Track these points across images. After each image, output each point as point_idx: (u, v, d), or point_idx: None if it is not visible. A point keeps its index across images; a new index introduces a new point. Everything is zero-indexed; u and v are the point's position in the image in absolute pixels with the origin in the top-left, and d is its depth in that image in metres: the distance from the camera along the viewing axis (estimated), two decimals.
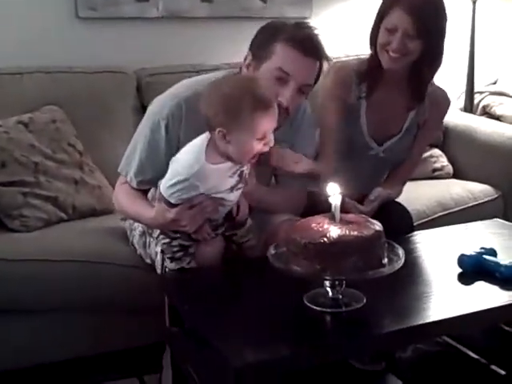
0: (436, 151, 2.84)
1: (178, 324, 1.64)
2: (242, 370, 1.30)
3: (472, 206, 2.58)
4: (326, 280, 1.48)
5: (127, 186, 1.87)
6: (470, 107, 3.16)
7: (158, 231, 1.78)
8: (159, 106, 1.82)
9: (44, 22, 2.56)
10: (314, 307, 1.48)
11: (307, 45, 1.76)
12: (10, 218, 2.11)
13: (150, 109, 1.87)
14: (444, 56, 2.06)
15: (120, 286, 1.96)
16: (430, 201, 2.51)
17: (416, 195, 2.52)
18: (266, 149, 1.62)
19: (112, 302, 1.99)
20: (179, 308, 1.62)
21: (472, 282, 1.65)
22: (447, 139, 2.90)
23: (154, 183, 1.79)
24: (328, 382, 1.75)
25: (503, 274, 1.63)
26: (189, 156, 1.64)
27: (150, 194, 1.89)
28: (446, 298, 1.58)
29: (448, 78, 3.06)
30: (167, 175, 1.67)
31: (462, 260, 1.70)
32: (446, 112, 2.24)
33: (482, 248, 1.73)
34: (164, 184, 1.67)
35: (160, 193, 1.70)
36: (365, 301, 1.50)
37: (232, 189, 1.68)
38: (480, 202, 2.61)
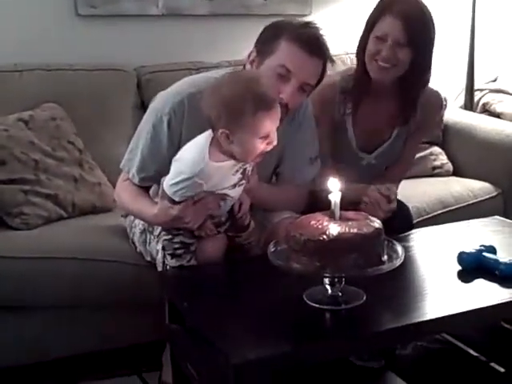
0: (436, 149, 2.84)
1: (178, 321, 1.64)
2: (241, 367, 1.30)
3: (472, 204, 2.58)
4: (326, 277, 1.48)
5: (129, 182, 1.88)
6: (470, 105, 3.16)
7: (159, 229, 1.78)
8: (162, 102, 1.82)
9: (44, 19, 2.56)
10: (314, 304, 1.48)
11: (312, 44, 1.76)
12: (10, 216, 2.11)
13: (153, 105, 1.87)
14: (431, 72, 2.04)
15: (120, 284, 1.96)
16: (430, 198, 2.51)
17: (416, 193, 2.52)
18: (270, 148, 1.63)
19: (111, 299, 1.98)
20: (179, 305, 1.62)
21: (471, 280, 1.66)
22: (447, 137, 2.90)
23: (157, 180, 1.79)
24: (328, 378, 1.75)
25: (503, 272, 1.63)
26: (192, 155, 1.65)
27: (151, 191, 1.89)
28: (446, 296, 1.58)
29: (448, 75, 3.07)
30: (170, 174, 1.67)
31: (462, 257, 1.70)
32: (439, 112, 2.23)
33: (481, 245, 1.73)
34: (167, 182, 1.68)
35: (163, 190, 1.70)
36: (364, 298, 1.50)
37: (235, 185, 1.69)
38: (480, 199, 2.61)
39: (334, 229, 1.42)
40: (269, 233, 1.87)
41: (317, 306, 1.48)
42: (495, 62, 3.37)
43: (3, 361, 1.94)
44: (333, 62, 1.85)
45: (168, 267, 1.74)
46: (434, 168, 2.80)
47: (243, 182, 1.70)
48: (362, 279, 1.49)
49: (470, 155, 2.83)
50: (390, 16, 1.92)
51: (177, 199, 1.66)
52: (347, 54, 2.79)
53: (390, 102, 2.07)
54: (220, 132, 1.60)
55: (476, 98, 3.19)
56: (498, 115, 3.05)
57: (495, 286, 1.61)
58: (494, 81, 3.32)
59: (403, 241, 1.84)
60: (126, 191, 1.88)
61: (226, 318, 1.48)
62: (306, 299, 1.50)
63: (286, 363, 1.38)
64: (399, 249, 1.51)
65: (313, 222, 1.47)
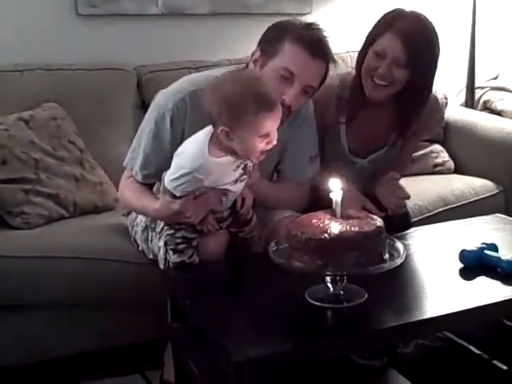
0: (437, 147, 2.83)
1: (180, 320, 1.64)
2: (243, 365, 1.30)
3: (473, 201, 2.57)
4: (327, 276, 1.48)
5: (132, 180, 1.88)
6: (470, 102, 3.16)
7: (161, 225, 1.78)
8: (164, 99, 1.83)
9: (44, 19, 2.56)
10: (315, 303, 1.48)
11: (315, 46, 1.76)
12: (11, 216, 2.11)
13: (155, 102, 1.87)
14: (431, 91, 2.00)
15: (121, 283, 1.96)
16: (432, 196, 2.51)
17: (417, 191, 2.50)
18: (269, 147, 1.63)
19: (113, 298, 1.98)
20: (181, 303, 1.63)
21: (473, 277, 1.65)
22: (448, 134, 2.90)
23: (160, 177, 1.79)
24: (329, 377, 1.76)
25: (504, 269, 1.63)
26: (192, 150, 1.65)
27: (155, 188, 1.89)
28: (448, 294, 1.58)
29: (449, 73, 3.07)
30: (171, 169, 1.68)
31: (464, 255, 1.70)
32: (436, 117, 2.20)
33: (483, 243, 1.72)
34: (168, 177, 1.68)
35: (164, 185, 1.71)
36: (366, 296, 1.50)
37: (236, 181, 1.70)
38: (481, 197, 2.60)
39: (335, 227, 1.42)
40: (269, 231, 1.87)
41: (318, 304, 1.48)
42: (496, 59, 3.36)
43: (3, 360, 1.94)
44: (335, 63, 1.84)
45: (170, 264, 1.74)
46: (435, 166, 2.80)
47: (245, 177, 1.71)
48: (363, 277, 1.49)
49: (471, 153, 2.82)
50: (391, 33, 1.87)
51: (178, 194, 1.67)
52: (347, 52, 2.79)
53: (385, 115, 2.03)
54: (220, 129, 1.60)
55: (477, 96, 3.19)
56: (498, 113, 3.04)
57: (497, 283, 1.61)
58: (495, 78, 3.32)
59: (404, 239, 1.84)
60: (130, 188, 1.89)
61: (228, 316, 1.48)
62: (307, 297, 1.50)
63: (288, 361, 1.38)
64: (400, 247, 1.51)
65: (314, 221, 1.47)
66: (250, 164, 1.70)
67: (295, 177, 1.98)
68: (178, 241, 1.72)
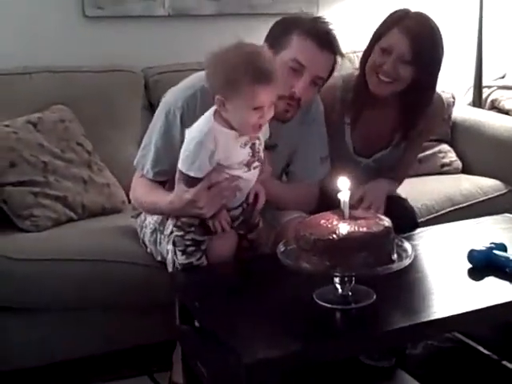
0: (444, 146, 2.83)
1: (189, 321, 1.65)
2: (253, 367, 1.30)
3: (481, 201, 2.57)
4: (336, 276, 1.48)
5: (144, 179, 1.88)
6: (478, 102, 3.15)
7: (170, 228, 1.77)
8: (174, 96, 1.83)
9: (51, 21, 2.57)
10: (324, 304, 1.48)
11: (323, 38, 1.78)
12: (20, 218, 2.12)
13: (164, 100, 1.87)
14: (435, 91, 2.01)
15: (130, 285, 1.97)
16: (439, 196, 2.50)
17: (425, 190, 2.51)
18: (262, 122, 1.63)
19: (122, 300, 1.99)
20: (189, 305, 1.63)
21: (482, 278, 1.65)
22: (456, 134, 2.89)
23: (170, 174, 1.79)
24: (338, 378, 1.75)
25: None
26: (199, 122, 1.67)
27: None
28: (456, 294, 1.58)
29: (456, 72, 3.06)
30: (183, 146, 1.68)
31: (472, 255, 1.69)
32: (441, 116, 2.20)
33: (492, 243, 1.72)
34: (181, 156, 1.68)
35: (179, 171, 1.70)
36: (374, 297, 1.50)
37: (248, 165, 1.68)
38: (489, 196, 2.60)
39: (343, 228, 1.42)
40: (278, 232, 1.87)
41: (327, 305, 1.48)
42: (503, 58, 3.36)
43: (10, 363, 1.96)
44: (343, 55, 1.85)
45: (177, 263, 1.74)
46: (443, 165, 2.79)
47: (257, 164, 1.69)
48: (371, 278, 1.49)
49: (478, 152, 2.82)
50: (398, 30, 1.89)
51: (192, 174, 1.65)
52: (354, 52, 2.77)
53: (390, 114, 2.04)
54: (217, 98, 1.62)
55: (484, 95, 3.18)
56: (506, 112, 3.03)
57: (506, 283, 1.61)
58: (503, 77, 3.31)
59: (413, 239, 1.84)
60: (141, 186, 1.89)
61: (237, 318, 1.48)
62: (316, 299, 1.50)
63: (297, 363, 1.38)
64: (409, 247, 1.51)
65: (322, 222, 1.47)
66: (258, 145, 1.68)
67: (306, 178, 1.99)
68: (188, 243, 1.72)
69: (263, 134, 1.73)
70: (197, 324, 1.62)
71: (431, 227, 2.08)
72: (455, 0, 3.22)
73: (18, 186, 2.12)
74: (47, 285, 1.93)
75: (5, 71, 2.39)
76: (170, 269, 1.79)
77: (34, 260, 1.94)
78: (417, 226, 2.08)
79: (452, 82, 2.68)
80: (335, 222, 1.45)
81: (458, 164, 2.81)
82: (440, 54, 1.95)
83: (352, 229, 1.42)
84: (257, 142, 1.68)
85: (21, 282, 1.92)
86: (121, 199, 2.32)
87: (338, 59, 1.85)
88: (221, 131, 1.64)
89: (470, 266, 1.69)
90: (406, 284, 1.60)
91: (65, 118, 2.33)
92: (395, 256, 1.47)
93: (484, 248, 1.70)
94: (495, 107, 3.13)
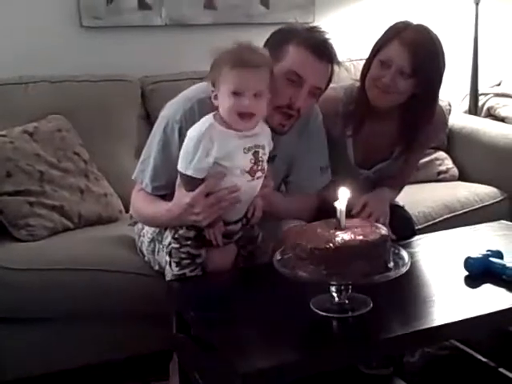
0: (441, 154, 2.83)
1: (185, 331, 1.64)
2: (249, 376, 1.30)
3: (478, 208, 2.57)
4: (332, 285, 1.48)
5: (143, 192, 1.88)
6: (474, 109, 3.16)
7: (169, 238, 1.77)
8: (172, 110, 1.82)
9: (48, 31, 2.57)
10: (321, 312, 1.48)
11: (320, 48, 1.78)
12: (16, 228, 2.11)
13: (163, 113, 1.86)
14: (436, 105, 2.00)
15: (127, 294, 1.97)
16: (436, 203, 2.51)
17: (422, 198, 2.52)
18: (242, 109, 1.61)
19: (119, 309, 1.99)
20: (186, 315, 1.63)
21: (479, 285, 1.65)
22: (452, 141, 2.90)
23: (169, 188, 1.79)
24: None
25: (510, 277, 1.63)
26: (199, 122, 1.68)
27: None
28: (453, 302, 1.58)
29: (452, 80, 3.06)
30: (183, 146, 1.68)
31: (469, 263, 1.70)
32: (443, 125, 2.19)
33: (488, 250, 1.72)
34: (180, 156, 1.67)
35: (179, 175, 1.69)
36: (371, 305, 1.50)
37: (251, 174, 1.66)
38: (486, 203, 2.60)
39: (340, 236, 1.42)
40: (277, 241, 1.87)
41: (324, 313, 1.47)
42: (499, 66, 3.37)
43: (10, 373, 1.95)
44: (340, 64, 1.85)
45: (172, 277, 1.74)
46: (440, 173, 2.80)
47: (260, 175, 1.68)
48: (368, 286, 1.49)
49: (475, 160, 2.82)
50: (397, 43, 1.87)
51: (189, 173, 1.64)
52: (351, 61, 2.79)
53: (391, 126, 2.03)
54: (211, 90, 1.66)
55: (480, 103, 3.19)
56: (502, 119, 3.04)
57: (503, 290, 1.61)
58: (498, 85, 3.32)
59: (409, 247, 1.85)
60: (141, 199, 1.88)
61: (233, 327, 1.48)
62: (312, 307, 1.50)
63: (294, 372, 1.37)
64: (405, 255, 1.51)
65: (319, 230, 1.47)
66: (261, 152, 1.67)
67: (306, 188, 1.99)
68: (183, 256, 1.72)
69: (268, 146, 1.72)
70: (193, 333, 1.61)
71: (428, 234, 2.08)
72: (451, 8, 3.24)
73: (14, 196, 2.12)
74: (43, 295, 1.93)
75: (1, 81, 2.39)
76: (167, 278, 1.79)
77: (29, 270, 1.93)
78: (414, 233, 2.08)
79: (448, 90, 2.67)
80: (332, 231, 1.45)
81: (455, 171, 2.82)
82: (441, 67, 1.93)
83: (348, 237, 1.42)
84: (260, 150, 1.67)
85: (16, 292, 1.91)
86: (117, 208, 2.32)
87: (335, 68, 1.85)
88: (220, 130, 1.64)
89: (467, 273, 1.69)
90: (403, 292, 1.60)
91: (61, 128, 2.33)
92: (392, 264, 1.47)
93: (480, 255, 1.70)
94: (491, 115, 3.14)
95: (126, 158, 2.40)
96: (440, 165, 2.81)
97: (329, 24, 3.02)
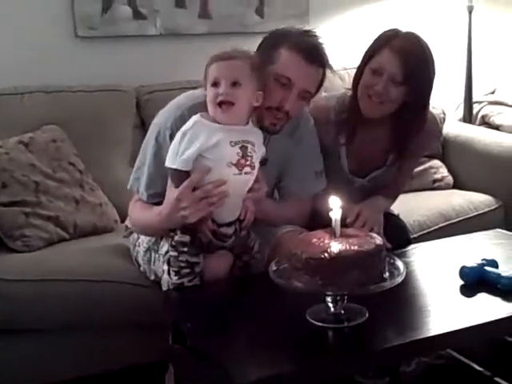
0: (436, 162, 2.84)
1: (181, 342, 1.64)
2: None
3: (473, 217, 2.58)
4: (328, 295, 1.48)
5: (139, 202, 1.88)
6: (468, 117, 3.17)
7: (165, 248, 1.78)
8: (163, 117, 1.84)
9: (43, 41, 2.57)
10: (317, 323, 1.48)
11: (311, 52, 1.79)
12: (11, 239, 2.11)
13: (155, 121, 1.88)
14: (428, 111, 2.00)
15: (122, 304, 1.96)
16: (431, 211, 2.51)
17: (417, 206, 2.52)
18: (220, 97, 1.64)
19: (114, 320, 1.98)
20: (182, 326, 1.62)
21: (474, 294, 1.65)
22: (447, 150, 2.91)
23: (164, 196, 1.78)
24: None
25: (505, 286, 1.63)
26: (187, 122, 1.71)
27: None
28: (449, 311, 1.58)
29: (446, 88, 3.08)
30: (171, 145, 1.70)
31: (464, 272, 1.70)
32: (436, 133, 2.19)
33: (483, 259, 1.73)
34: (168, 153, 1.69)
35: (169, 173, 1.70)
36: (367, 315, 1.50)
37: (238, 167, 1.66)
38: (481, 212, 2.61)
39: (335, 246, 1.43)
40: (272, 247, 1.87)
41: (320, 324, 1.47)
42: (493, 73, 3.38)
43: None
44: (332, 69, 1.86)
45: (170, 285, 1.73)
46: (435, 181, 2.81)
47: (249, 170, 1.68)
48: (364, 296, 1.48)
49: (470, 168, 2.83)
50: (388, 51, 1.88)
51: (175, 166, 1.65)
52: (345, 69, 2.80)
53: (384, 134, 2.03)
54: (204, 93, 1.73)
55: (475, 111, 3.20)
56: (497, 127, 3.05)
57: (498, 300, 1.61)
58: (493, 93, 3.33)
59: (404, 256, 1.85)
60: (137, 209, 1.89)
61: (229, 338, 1.48)
62: (308, 317, 1.50)
63: (291, 382, 1.37)
64: (400, 265, 1.51)
65: (314, 240, 1.47)
66: (249, 147, 1.68)
67: (301, 192, 1.99)
68: (182, 264, 1.72)
69: (259, 147, 1.72)
70: (189, 344, 1.61)
71: (423, 243, 2.08)
72: (444, 16, 3.25)
73: (9, 207, 2.12)
74: (38, 305, 1.93)
75: None
76: (164, 288, 1.79)
77: (24, 281, 1.93)
78: (409, 242, 2.08)
79: (442, 98, 2.69)
80: (327, 241, 1.45)
81: (450, 179, 2.83)
82: (431, 74, 1.94)
83: (343, 247, 1.43)
84: (249, 146, 1.68)
85: (11, 303, 1.91)
86: (113, 218, 2.32)
87: (328, 73, 1.86)
88: (206, 124, 1.67)
89: (462, 282, 1.69)
90: (399, 301, 1.60)
91: (56, 138, 2.33)
92: (387, 274, 1.47)
93: (475, 264, 1.70)
94: (486, 122, 3.15)
95: (121, 168, 2.40)
96: (435, 173, 2.82)
97: (323, 33, 2.98)
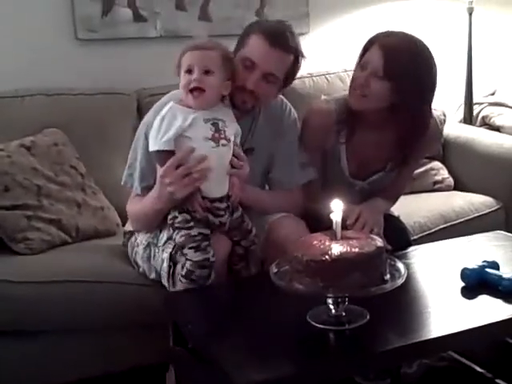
0: (436, 164, 2.84)
1: (182, 343, 1.64)
2: None
3: (474, 218, 2.57)
4: (329, 297, 1.48)
5: (135, 199, 1.94)
6: (469, 118, 3.17)
7: (164, 238, 1.83)
8: (151, 116, 1.89)
9: (43, 44, 2.58)
10: (318, 325, 1.48)
11: (276, 37, 1.86)
12: (14, 242, 2.12)
13: (143, 120, 1.96)
14: (428, 118, 1.99)
15: (124, 305, 1.97)
16: (432, 213, 2.51)
17: (417, 208, 2.52)
18: (192, 84, 1.74)
19: (116, 321, 1.99)
20: (182, 328, 1.63)
21: (475, 296, 1.65)
22: (447, 151, 2.91)
23: None
24: None
25: (506, 288, 1.63)
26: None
27: None
28: (450, 313, 1.58)
29: (447, 89, 3.08)
30: (152, 130, 1.78)
31: (465, 274, 1.70)
32: (437, 137, 2.19)
33: (484, 261, 1.73)
34: (150, 139, 1.78)
35: (154, 159, 1.79)
36: (368, 317, 1.50)
37: (214, 140, 1.75)
38: (481, 213, 2.60)
39: (336, 249, 1.43)
40: (267, 232, 1.91)
41: (320, 326, 1.48)
42: (493, 75, 3.38)
43: None
44: (303, 56, 1.92)
45: (189, 263, 1.73)
46: (435, 183, 2.81)
47: (225, 142, 1.76)
48: (365, 298, 1.49)
49: (470, 169, 2.83)
50: (376, 47, 1.91)
51: (157, 148, 1.74)
52: (345, 71, 2.80)
53: (385, 139, 2.03)
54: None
55: (475, 112, 3.20)
56: (497, 128, 3.06)
57: (499, 301, 1.61)
58: (493, 94, 3.33)
59: (405, 258, 1.85)
60: (133, 202, 1.95)
61: (230, 340, 1.48)
62: (309, 319, 1.50)
63: None
64: (401, 267, 1.52)
65: (315, 242, 1.47)
66: (221, 124, 1.77)
67: (287, 183, 2.03)
68: (198, 238, 1.74)
69: (231, 124, 1.81)
70: (190, 346, 1.61)
71: (424, 245, 2.08)
72: (444, 18, 3.25)
73: (11, 210, 2.13)
74: (41, 307, 1.93)
75: None
76: (164, 280, 1.81)
77: (27, 282, 1.93)
78: (410, 244, 2.08)
79: (443, 100, 2.68)
80: (327, 243, 1.45)
81: (450, 181, 2.83)
82: (422, 76, 1.91)
83: (344, 249, 1.43)
84: (220, 123, 1.77)
85: (14, 305, 1.91)
86: (115, 222, 2.33)
87: (302, 61, 1.92)
88: (180, 108, 1.77)
89: (463, 284, 1.69)
90: (400, 303, 1.60)
91: (58, 142, 2.33)
92: (388, 276, 1.47)
93: (476, 266, 1.71)
94: (486, 124, 3.15)
95: (123, 171, 2.39)
96: (435, 175, 2.82)
97: (324, 35, 3.04)
